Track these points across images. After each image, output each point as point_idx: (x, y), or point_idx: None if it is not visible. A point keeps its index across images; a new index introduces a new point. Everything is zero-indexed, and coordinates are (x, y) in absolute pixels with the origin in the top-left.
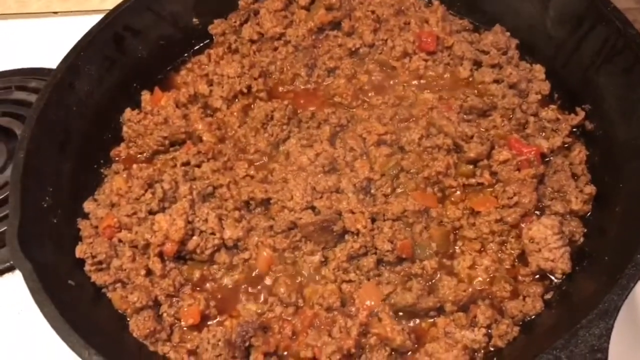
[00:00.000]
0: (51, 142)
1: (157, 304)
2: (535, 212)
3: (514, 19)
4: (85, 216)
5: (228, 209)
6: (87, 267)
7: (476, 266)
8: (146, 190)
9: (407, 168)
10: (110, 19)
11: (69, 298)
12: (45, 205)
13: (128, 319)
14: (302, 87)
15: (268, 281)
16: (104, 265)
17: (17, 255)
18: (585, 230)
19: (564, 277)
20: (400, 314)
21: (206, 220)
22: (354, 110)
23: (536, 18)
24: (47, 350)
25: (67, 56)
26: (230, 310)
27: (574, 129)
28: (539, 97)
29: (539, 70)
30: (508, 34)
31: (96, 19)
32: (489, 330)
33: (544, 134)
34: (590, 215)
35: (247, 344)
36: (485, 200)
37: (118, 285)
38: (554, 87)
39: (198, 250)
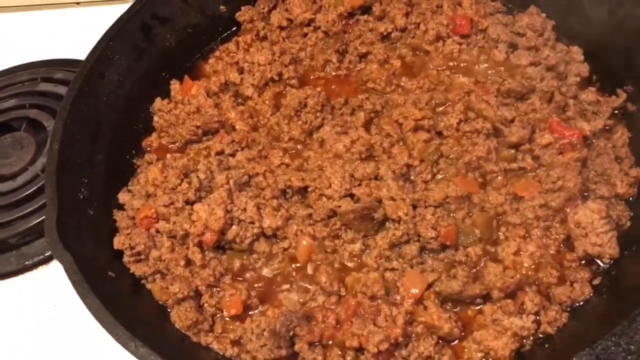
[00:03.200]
0: (84, 133)
1: (197, 295)
2: (580, 196)
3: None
4: (121, 207)
5: (266, 197)
6: (125, 259)
7: (521, 252)
8: (182, 180)
9: (446, 153)
10: (138, 8)
11: (110, 290)
12: (81, 197)
13: (169, 310)
14: (333, 73)
15: (309, 270)
16: (142, 256)
17: (57, 247)
18: (632, 214)
19: (612, 262)
20: (446, 302)
21: (245, 210)
22: (388, 95)
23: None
24: (83, 343)
25: (97, 46)
26: (271, 300)
27: (615, 111)
28: (578, 79)
29: (577, 52)
30: (544, 15)
31: (118, 8)
32: (538, 317)
33: (585, 116)
34: (636, 198)
35: (291, 333)
36: (528, 185)
37: (157, 276)
38: (593, 69)
39: (237, 240)
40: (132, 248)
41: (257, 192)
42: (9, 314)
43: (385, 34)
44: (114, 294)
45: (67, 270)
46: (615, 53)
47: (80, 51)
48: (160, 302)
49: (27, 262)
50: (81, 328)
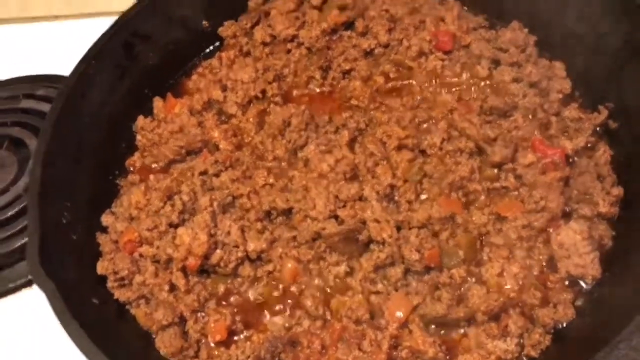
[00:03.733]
0: (66, 155)
1: (182, 320)
2: (563, 216)
3: (531, 14)
4: (104, 230)
5: (250, 220)
6: (109, 284)
7: (505, 273)
8: (165, 203)
9: (430, 173)
10: (119, 26)
11: (94, 316)
12: (64, 222)
13: (153, 336)
14: (317, 90)
15: (294, 293)
16: (126, 281)
17: (39, 274)
18: (614, 233)
19: (594, 282)
20: (430, 324)
21: (229, 233)
22: (372, 112)
23: (555, 13)
24: None
25: (78, 66)
26: (257, 325)
27: (597, 128)
28: (560, 95)
29: (559, 67)
30: (526, 30)
31: (100, 22)
32: (521, 340)
33: (567, 134)
34: (618, 217)
35: (276, 359)
36: (511, 205)
37: (142, 301)
38: (575, 84)
39: (222, 264)
40: (115, 273)
41: (241, 214)
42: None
43: (368, 50)
44: (98, 321)
45: (49, 298)
46: (597, 69)
47: (61, 66)
48: (145, 328)
49: (10, 285)
50: (65, 352)
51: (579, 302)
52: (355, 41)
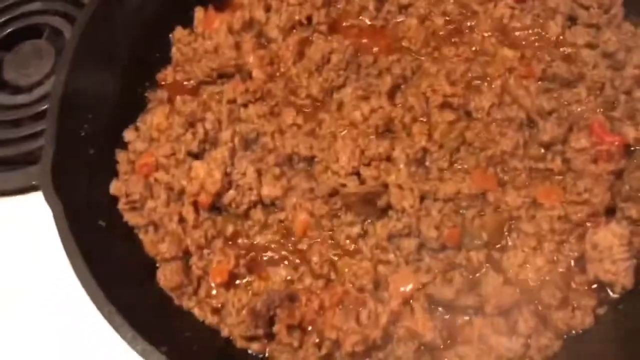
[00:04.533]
0: (95, 61)
1: (187, 254)
2: (605, 213)
3: None
4: (125, 146)
5: (269, 163)
6: (120, 206)
7: (527, 264)
8: (187, 130)
9: (470, 140)
10: None
11: (99, 241)
12: (82, 134)
13: (157, 265)
14: (368, 23)
15: (302, 246)
16: (137, 205)
17: (49, 192)
18: None
19: (623, 293)
20: (435, 306)
21: (244, 174)
22: (423, 58)
23: None
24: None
25: None
26: (260, 271)
27: None
28: (637, 72)
29: None
30: None
31: None
32: (528, 340)
33: (633, 119)
34: None
35: (271, 313)
36: (551, 190)
37: (150, 227)
38: None
39: (233, 205)
40: (128, 195)
41: (261, 156)
42: (12, 230)
43: None
44: (102, 247)
45: (56, 219)
46: None
47: None
48: (150, 256)
49: (33, 182)
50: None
51: (600, 311)
52: None
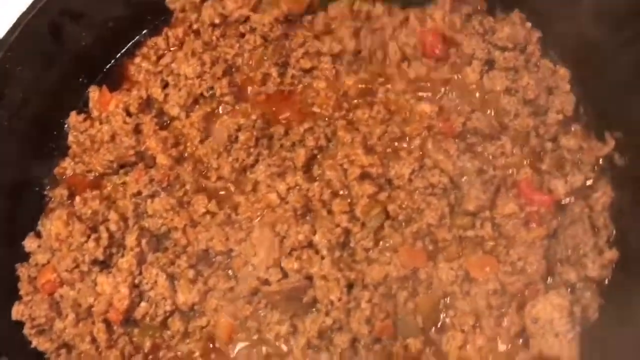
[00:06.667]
0: None
1: None
2: (543, 280)
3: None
4: (26, 257)
5: (182, 266)
6: (26, 330)
7: (468, 345)
8: (89, 237)
9: (393, 215)
10: (43, 4)
11: None
12: None
13: None
14: (275, 89)
15: (230, 352)
16: (45, 327)
17: None
18: (602, 301)
19: None
20: None
21: (156, 283)
22: (338, 122)
23: (567, 8)
24: None
25: None
26: None
27: (600, 161)
28: (560, 117)
29: (564, 76)
30: (529, 24)
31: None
32: None
33: (562, 169)
34: (609, 281)
35: None
36: (484, 261)
37: (62, 351)
38: (581, 95)
39: (148, 318)
40: (33, 319)
41: (173, 258)
42: None
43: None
44: None
45: None
46: (607, 86)
47: None
48: None
49: None
50: None
51: None
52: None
